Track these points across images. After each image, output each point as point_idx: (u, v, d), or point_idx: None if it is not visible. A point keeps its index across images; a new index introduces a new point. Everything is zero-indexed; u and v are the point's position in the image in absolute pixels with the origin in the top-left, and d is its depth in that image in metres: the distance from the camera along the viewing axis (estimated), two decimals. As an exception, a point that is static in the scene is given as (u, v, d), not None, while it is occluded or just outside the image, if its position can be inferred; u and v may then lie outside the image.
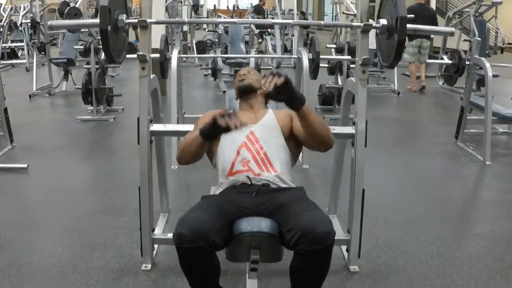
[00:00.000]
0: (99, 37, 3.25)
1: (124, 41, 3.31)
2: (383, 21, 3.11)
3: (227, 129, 2.63)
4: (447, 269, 3.50)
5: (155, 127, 3.33)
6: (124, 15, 3.10)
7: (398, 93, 10.25)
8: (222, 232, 2.54)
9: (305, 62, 5.61)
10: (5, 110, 6.06)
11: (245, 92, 3.21)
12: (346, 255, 3.53)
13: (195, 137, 2.83)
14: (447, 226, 4.20)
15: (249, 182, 2.81)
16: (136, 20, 3.16)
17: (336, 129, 3.42)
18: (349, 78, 3.55)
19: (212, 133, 2.73)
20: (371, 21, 3.35)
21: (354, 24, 3.31)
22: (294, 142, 3.08)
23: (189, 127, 3.29)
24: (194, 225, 2.44)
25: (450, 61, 7.24)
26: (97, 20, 2.91)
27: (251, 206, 2.68)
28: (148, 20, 3.16)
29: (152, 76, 3.37)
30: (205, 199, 2.86)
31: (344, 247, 3.58)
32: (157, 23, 3.33)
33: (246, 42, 11.56)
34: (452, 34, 3.30)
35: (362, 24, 3.18)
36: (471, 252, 3.76)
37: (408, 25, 2.96)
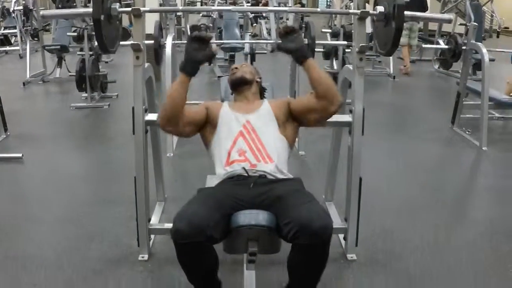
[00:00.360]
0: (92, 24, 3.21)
1: (118, 30, 3.26)
2: (380, 8, 3.08)
3: (204, 52, 2.83)
4: (444, 257, 3.50)
5: (150, 116, 3.30)
6: (117, 4, 3.05)
7: (394, 77, 10.22)
8: (219, 226, 2.52)
9: (301, 48, 5.56)
10: (-1, 98, 6.02)
11: (238, 85, 3.21)
12: (344, 243, 3.53)
13: (175, 85, 2.88)
14: (443, 213, 4.20)
15: (246, 174, 2.79)
16: (130, 9, 3.13)
17: (332, 117, 3.40)
18: (346, 65, 3.52)
19: (190, 63, 2.83)
20: (367, 7, 3.33)
21: (351, 11, 3.29)
22: (290, 129, 3.07)
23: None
24: (192, 220, 2.42)
25: (446, 46, 7.21)
26: (89, 10, 2.88)
27: (248, 198, 2.66)
28: (142, 9, 3.12)
29: (146, 64, 3.34)
30: (201, 192, 2.83)
31: (341, 236, 3.58)
32: (150, 11, 3.29)
33: (241, 26, 11.51)
34: (450, 21, 3.28)
35: (359, 11, 3.15)
36: (468, 239, 3.76)
37: (406, 12, 2.92)
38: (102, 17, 2.89)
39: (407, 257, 3.50)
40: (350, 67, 3.37)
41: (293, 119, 3.08)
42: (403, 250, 3.59)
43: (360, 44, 3.17)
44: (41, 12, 3.16)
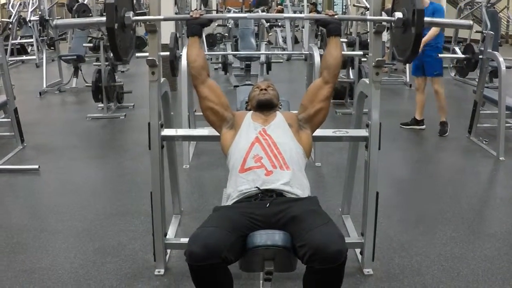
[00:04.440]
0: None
1: (132, 39, 3.26)
2: (399, 14, 3.05)
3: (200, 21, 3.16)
4: (462, 271, 3.47)
5: (166, 132, 3.31)
6: (131, 12, 3.05)
7: (410, 86, 10.17)
8: (235, 248, 2.51)
9: (317, 59, 5.57)
10: (15, 110, 6.07)
11: (265, 106, 3.25)
12: (360, 258, 3.51)
13: (190, 44, 3.23)
14: (461, 226, 4.16)
15: (260, 194, 2.80)
16: (144, 17, 3.14)
17: (349, 132, 3.42)
18: (362, 79, 3.51)
19: (191, 26, 3.18)
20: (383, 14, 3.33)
21: (368, 18, 3.26)
22: (304, 137, 3.13)
23: (200, 131, 3.31)
24: (207, 242, 2.42)
25: (462, 56, 7.15)
26: (103, 19, 2.88)
27: (264, 217, 2.65)
28: (156, 17, 3.15)
29: (162, 79, 3.35)
30: (217, 211, 2.81)
31: (358, 250, 3.56)
32: (165, 19, 3.28)
33: (256, 35, 11.52)
34: (470, 27, 3.24)
35: (376, 18, 3.14)
36: (486, 253, 3.72)
37: (425, 18, 2.92)
38: (115, 26, 2.90)
39: (424, 271, 3.47)
40: (367, 80, 3.36)
41: (306, 124, 3.17)
42: (420, 264, 3.56)
43: (377, 58, 3.15)
44: (55, 22, 3.14)
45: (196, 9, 3.25)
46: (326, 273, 2.44)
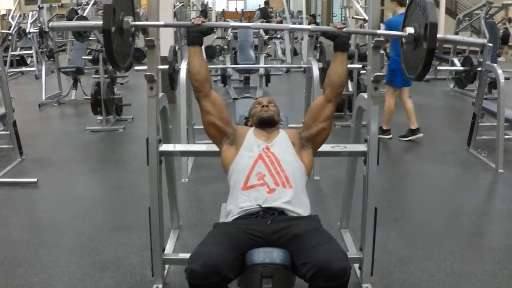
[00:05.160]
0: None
1: (130, 46, 3.20)
2: (410, 30, 2.97)
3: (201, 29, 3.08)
4: (461, 286, 3.47)
5: (165, 147, 3.31)
6: (131, 17, 3.00)
7: (409, 97, 10.14)
8: (234, 266, 2.52)
9: (315, 72, 5.58)
10: (14, 123, 6.07)
11: (266, 124, 3.24)
12: (359, 273, 3.50)
13: (189, 57, 3.14)
14: (460, 240, 4.16)
15: (261, 212, 2.79)
16: (143, 23, 3.13)
17: (348, 147, 3.42)
18: (361, 93, 3.50)
19: (192, 35, 3.10)
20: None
21: (378, 32, 3.17)
22: (306, 156, 3.12)
23: (198, 147, 3.30)
24: (207, 260, 2.42)
25: (461, 68, 7.18)
26: (100, 22, 2.83)
27: (265, 234, 2.65)
28: (157, 23, 3.15)
29: (160, 94, 3.35)
30: (217, 228, 2.81)
31: (356, 265, 3.55)
32: (166, 25, 3.24)
33: (255, 47, 11.55)
34: (484, 46, 3.20)
35: (385, 32, 3.12)
36: (485, 268, 3.71)
37: (438, 35, 2.82)
38: (113, 29, 2.83)
39: (423, 286, 3.47)
40: (365, 95, 3.36)
41: (308, 143, 3.16)
42: (420, 279, 3.55)
43: (375, 74, 3.15)
44: (50, 24, 3.12)
45: (198, 16, 3.20)
46: None
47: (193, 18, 3.15)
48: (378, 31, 3.14)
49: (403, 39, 3.06)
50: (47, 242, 4.13)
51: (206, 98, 3.12)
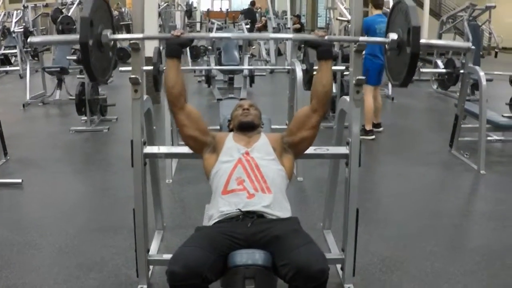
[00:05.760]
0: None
1: (110, 60, 3.18)
2: (393, 35, 2.98)
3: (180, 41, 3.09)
4: (442, 286, 3.53)
5: (149, 149, 3.33)
6: (109, 31, 2.99)
7: (393, 99, 10.24)
8: (215, 267, 2.56)
9: (299, 74, 5.62)
10: (-1, 123, 6.06)
11: (246, 128, 3.27)
12: (341, 273, 3.54)
13: (166, 70, 3.18)
14: (441, 241, 4.22)
15: (241, 216, 2.82)
16: (122, 36, 3.14)
17: (330, 149, 3.45)
18: (343, 96, 3.53)
19: (171, 47, 3.12)
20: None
21: (360, 39, 3.15)
22: (287, 161, 3.15)
23: (182, 149, 3.32)
24: (187, 262, 2.46)
25: (444, 70, 7.27)
26: (78, 36, 2.77)
27: (245, 236, 2.69)
28: (136, 36, 3.14)
29: (145, 97, 3.38)
30: (198, 231, 2.85)
31: (338, 266, 3.59)
32: (145, 38, 3.25)
33: (240, 47, 11.57)
34: (468, 49, 3.23)
35: (368, 39, 3.13)
36: (466, 268, 3.77)
37: (422, 40, 2.81)
38: (90, 42, 2.79)
39: (405, 286, 3.52)
40: (347, 98, 3.40)
41: (289, 149, 3.18)
42: (401, 279, 3.61)
43: (357, 77, 3.18)
44: (29, 39, 3.12)
45: (177, 29, 3.20)
46: None
47: (173, 30, 3.15)
48: (361, 38, 3.15)
49: (386, 45, 3.09)
50: (32, 243, 4.13)
51: (181, 112, 3.14)
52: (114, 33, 3.05)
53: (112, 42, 3.08)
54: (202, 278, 2.45)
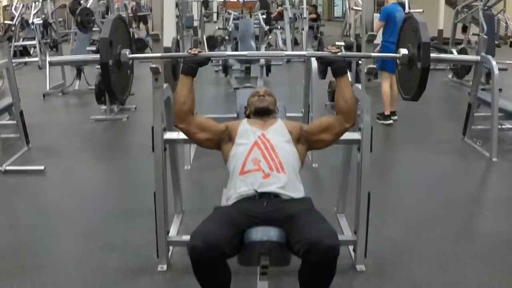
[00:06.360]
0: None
1: (129, 79, 3.32)
2: (404, 51, 3.09)
3: (197, 60, 3.15)
4: (450, 268, 3.63)
5: (169, 135, 3.48)
6: (128, 50, 3.11)
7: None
8: (232, 243, 2.72)
9: (314, 64, 5.71)
10: (21, 113, 6.23)
11: (263, 113, 3.41)
12: (353, 255, 3.68)
13: (179, 86, 3.19)
14: (451, 225, 4.32)
15: (257, 196, 2.96)
16: (141, 55, 3.27)
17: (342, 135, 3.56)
18: (355, 84, 3.64)
19: (187, 65, 3.16)
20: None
21: (372, 55, 3.32)
22: (301, 149, 3.28)
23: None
24: (207, 237, 2.63)
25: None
26: (98, 56, 2.90)
27: (261, 214, 2.85)
28: (154, 55, 3.27)
29: (164, 85, 3.51)
30: (217, 210, 3.01)
31: (351, 247, 3.73)
32: (163, 57, 3.41)
33: (256, 37, 11.64)
34: (477, 63, 3.30)
35: (381, 54, 3.21)
36: (474, 252, 3.87)
37: (431, 54, 2.93)
38: (110, 62, 2.91)
39: (414, 268, 3.63)
40: (359, 86, 3.51)
41: (305, 142, 3.30)
42: (411, 261, 3.72)
43: (369, 66, 3.30)
44: (48, 59, 3.23)
45: (194, 47, 3.28)
46: (320, 266, 2.66)
47: (190, 49, 3.20)
48: (373, 54, 3.27)
49: (397, 60, 3.20)
50: (55, 227, 4.29)
51: (190, 126, 3.22)
52: (132, 52, 3.16)
53: (131, 61, 3.20)
54: (220, 252, 2.62)
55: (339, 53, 3.14)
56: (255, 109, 3.43)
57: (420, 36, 2.92)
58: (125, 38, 3.19)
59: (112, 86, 2.96)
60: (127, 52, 3.09)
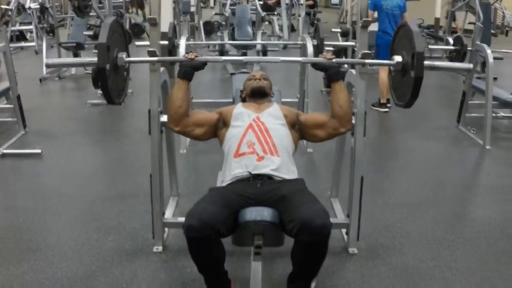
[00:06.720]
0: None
1: (125, 81, 3.35)
2: (398, 58, 3.13)
3: (194, 64, 3.22)
4: (441, 252, 3.69)
5: (165, 118, 3.51)
6: (124, 53, 3.14)
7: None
8: (227, 222, 2.77)
9: (310, 49, 5.75)
10: (18, 96, 6.25)
11: (257, 93, 3.48)
12: (346, 238, 3.73)
13: (174, 89, 3.26)
14: (444, 210, 4.38)
15: (251, 178, 3.03)
16: (138, 59, 3.31)
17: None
18: (350, 70, 3.69)
19: (184, 69, 3.23)
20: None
21: (366, 61, 3.28)
22: (294, 135, 3.35)
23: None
24: (202, 216, 2.68)
25: (452, 47, 7.37)
26: (95, 59, 2.92)
27: (255, 195, 2.91)
28: (151, 59, 3.29)
29: (161, 69, 3.55)
30: (212, 191, 3.07)
31: (344, 230, 3.78)
32: (159, 61, 3.43)
33: (253, 23, 11.64)
34: (469, 70, 3.33)
35: (374, 61, 3.26)
36: (466, 236, 3.94)
37: (425, 62, 2.95)
38: (107, 66, 2.95)
39: (406, 251, 3.69)
40: (353, 71, 3.56)
41: (298, 130, 3.37)
42: (403, 244, 3.78)
43: (362, 51, 3.33)
44: (45, 61, 3.24)
45: (191, 51, 3.39)
46: (312, 246, 2.71)
47: (187, 53, 3.26)
48: (367, 61, 3.28)
49: (391, 67, 3.26)
50: (52, 209, 4.33)
51: (186, 128, 3.28)
52: (128, 55, 3.20)
53: (127, 64, 3.24)
54: (215, 231, 2.67)
55: (333, 60, 3.20)
56: (251, 90, 3.49)
57: (415, 46, 2.96)
58: (121, 41, 3.23)
59: (109, 90, 2.99)
60: (124, 56, 3.13)
